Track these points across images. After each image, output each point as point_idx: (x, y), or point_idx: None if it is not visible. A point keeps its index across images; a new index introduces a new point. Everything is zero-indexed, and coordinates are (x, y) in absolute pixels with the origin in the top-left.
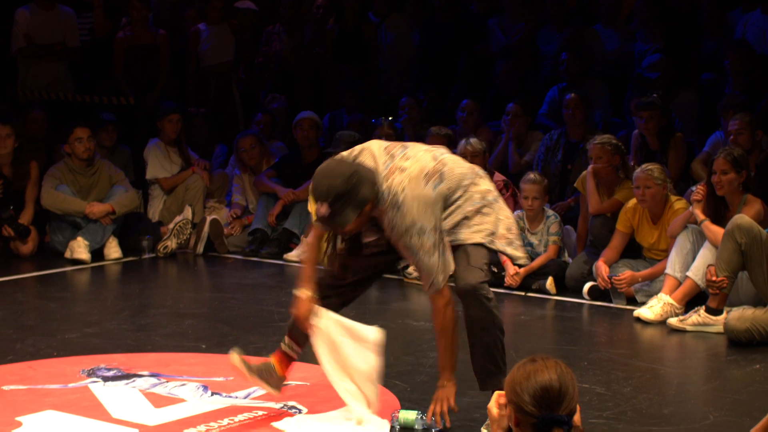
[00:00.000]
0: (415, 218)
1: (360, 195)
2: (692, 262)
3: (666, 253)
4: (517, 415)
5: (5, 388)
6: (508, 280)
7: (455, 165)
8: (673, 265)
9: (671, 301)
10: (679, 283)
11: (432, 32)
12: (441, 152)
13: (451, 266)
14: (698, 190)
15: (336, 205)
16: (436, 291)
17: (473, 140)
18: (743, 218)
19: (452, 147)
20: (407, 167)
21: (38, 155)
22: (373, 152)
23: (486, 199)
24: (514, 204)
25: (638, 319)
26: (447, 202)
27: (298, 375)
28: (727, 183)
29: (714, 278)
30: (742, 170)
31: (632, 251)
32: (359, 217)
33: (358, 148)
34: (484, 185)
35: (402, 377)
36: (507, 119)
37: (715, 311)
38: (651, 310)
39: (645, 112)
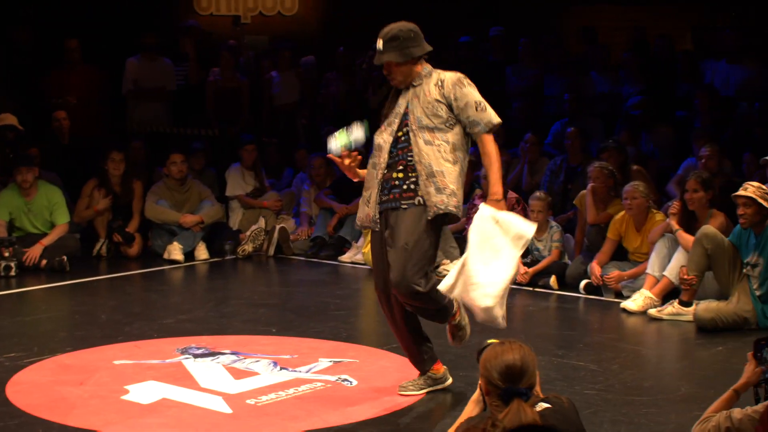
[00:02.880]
0: (461, 79)
1: (410, 47)
2: (668, 264)
3: (647, 256)
4: (487, 386)
5: (116, 362)
6: (519, 278)
7: None
8: (653, 266)
9: (651, 295)
10: (657, 281)
11: None
12: None
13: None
14: (674, 205)
15: (389, 44)
16: (491, 128)
17: None
18: (709, 228)
19: (474, 169)
20: None
21: (140, 176)
22: None
23: None
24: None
25: (624, 310)
26: None
27: (350, 353)
28: (697, 200)
29: (686, 277)
30: (709, 189)
31: (620, 255)
32: (402, 66)
33: None
34: None
35: None
36: (526, 146)
37: (686, 303)
38: (634, 302)
39: (603, 153)
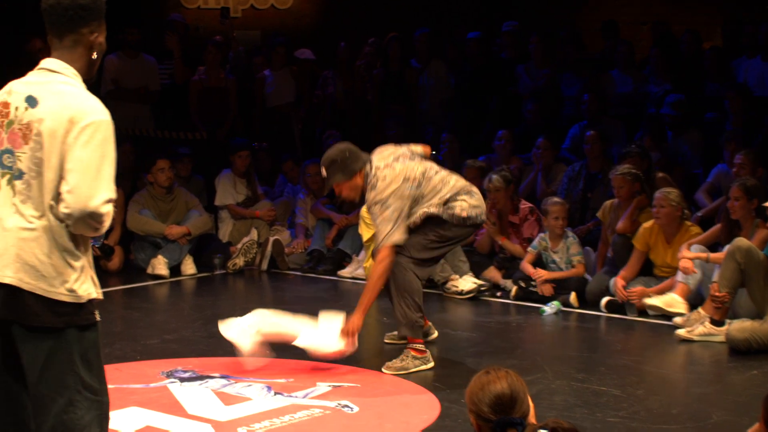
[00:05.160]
0: (384, 196)
1: (349, 166)
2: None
3: (675, 271)
4: (477, 421)
5: None
6: (542, 290)
7: (439, 181)
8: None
9: (701, 311)
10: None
11: (467, 76)
12: (435, 170)
13: (401, 239)
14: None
15: (330, 169)
16: (381, 247)
17: (495, 177)
18: (743, 241)
19: (483, 177)
20: (397, 168)
21: (124, 183)
22: (393, 152)
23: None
24: (539, 228)
25: (659, 331)
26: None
27: (350, 377)
28: (738, 208)
29: (717, 294)
30: (753, 198)
31: (645, 269)
32: (349, 182)
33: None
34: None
35: (441, 380)
36: (537, 152)
37: (718, 323)
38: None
39: (625, 159)
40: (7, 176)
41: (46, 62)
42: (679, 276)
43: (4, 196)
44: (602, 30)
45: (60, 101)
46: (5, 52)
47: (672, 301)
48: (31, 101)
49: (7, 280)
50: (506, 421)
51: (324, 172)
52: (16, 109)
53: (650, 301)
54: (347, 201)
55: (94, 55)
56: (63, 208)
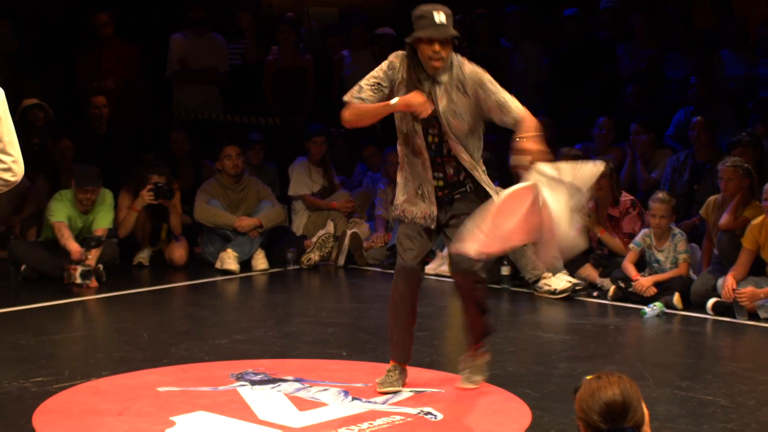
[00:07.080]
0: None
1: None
2: None
3: None
4: (586, 430)
5: (160, 389)
6: (645, 292)
7: None
8: None
9: None
10: None
11: (562, 58)
12: None
13: None
14: None
15: (450, 19)
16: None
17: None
18: None
19: None
20: None
21: (184, 173)
22: None
23: None
24: (641, 223)
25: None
26: None
27: (434, 382)
28: None
29: None
30: None
31: (756, 268)
32: (449, 45)
33: None
34: None
35: (532, 386)
36: (637, 138)
37: None
38: None
39: (735, 149)
40: None
41: None
42: None
43: None
44: (712, 5)
45: None
46: (71, 26)
47: None
48: None
49: None
50: (617, 430)
51: (443, 17)
52: None
53: None
54: (436, 68)
55: None
56: (9, 177)
